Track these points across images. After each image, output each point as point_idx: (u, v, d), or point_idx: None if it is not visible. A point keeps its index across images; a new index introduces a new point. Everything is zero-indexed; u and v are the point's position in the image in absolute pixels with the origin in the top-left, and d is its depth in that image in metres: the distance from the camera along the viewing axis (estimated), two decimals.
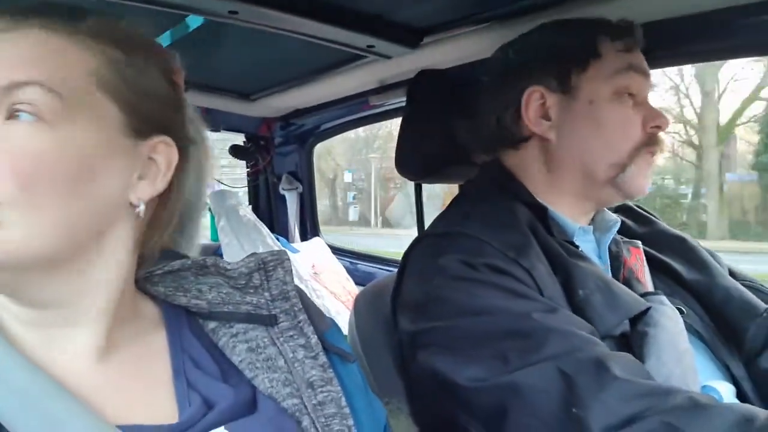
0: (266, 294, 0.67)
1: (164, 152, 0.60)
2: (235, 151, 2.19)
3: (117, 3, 0.99)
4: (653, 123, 0.94)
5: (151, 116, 0.59)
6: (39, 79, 0.52)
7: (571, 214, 0.97)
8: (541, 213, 0.93)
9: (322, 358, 0.65)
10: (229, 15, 1.06)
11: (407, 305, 0.90)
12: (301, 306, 0.68)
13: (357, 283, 1.99)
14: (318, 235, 2.22)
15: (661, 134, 0.96)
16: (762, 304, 0.93)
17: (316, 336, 0.66)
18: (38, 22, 0.54)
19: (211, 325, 0.66)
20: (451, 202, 1.04)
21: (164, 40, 1.26)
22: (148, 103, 0.59)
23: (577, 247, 0.92)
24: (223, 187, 2.12)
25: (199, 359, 0.62)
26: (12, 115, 0.51)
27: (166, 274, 0.67)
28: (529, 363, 0.72)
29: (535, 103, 0.98)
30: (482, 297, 0.80)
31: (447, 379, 0.78)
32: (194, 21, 1.19)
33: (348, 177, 15.29)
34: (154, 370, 0.60)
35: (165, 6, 1.02)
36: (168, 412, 0.56)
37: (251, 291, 0.67)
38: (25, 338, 0.56)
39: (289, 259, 0.70)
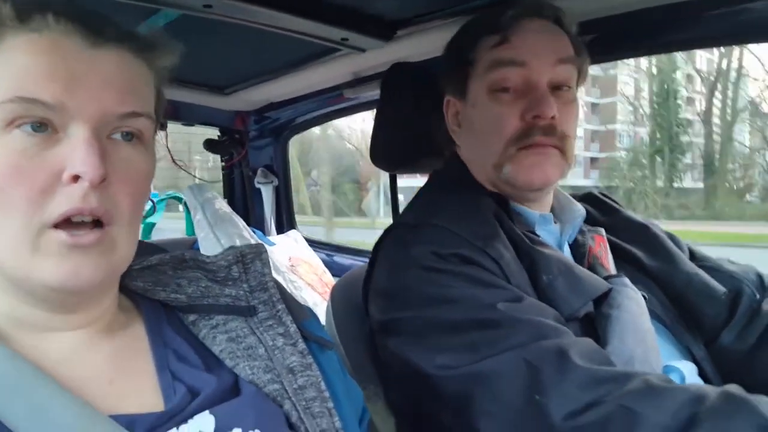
0: (245, 285, 0.69)
1: None
2: (210, 145, 2.17)
3: None
4: (531, 113, 0.91)
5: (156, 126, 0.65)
6: (149, 112, 0.58)
7: (523, 205, 0.99)
8: (503, 203, 0.96)
9: (301, 345, 0.67)
10: (203, 9, 1.06)
11: (378, 294, 0.92)
12: (279, 296, 0.70)
13: (334, 275, 2.00)
14: (294, 228, 2.22)
15: (547, 123, 0.90)
16: (721, 288, 0.97)
17: (294, 325, 0.68)
18: (118, 44, 0.57)
19: (191, 317, 0.67)
20: (419, 193, 1.07)
21: None
22: (161, 113, 0.65)
23: (538, 236, 0.95)
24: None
25: (182, 351, 0.63)
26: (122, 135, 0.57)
27: (144, 269, 0.69)
28: (495, 352, 0.75)
29: (452, 111, 1.03)
30: (450, 287, 0.82)
31: (416, 368, 0.80)
32: (168, 14, 1.18)
33: None
34: (138, 363, 0.61)
35: (138, 0, 1.02)
36: (154, 403, 0.58)
37: (230, 283, 0.69)
38: (13, 333, 0.56)
39: (266, 252, 0.73)
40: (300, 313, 0.72)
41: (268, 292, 0.70)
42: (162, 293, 0.67)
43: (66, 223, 0.52)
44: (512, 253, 0.87)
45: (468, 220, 0.89)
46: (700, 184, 21.50)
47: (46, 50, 0.52)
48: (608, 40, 1.12)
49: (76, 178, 0.52)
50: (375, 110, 1.26)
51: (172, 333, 0.65)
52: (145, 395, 0.59)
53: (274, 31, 1.19)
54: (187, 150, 2.07)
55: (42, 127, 0.52)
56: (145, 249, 0.71)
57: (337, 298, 1.09)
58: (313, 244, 2.15)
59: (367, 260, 1.87)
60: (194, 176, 2.10)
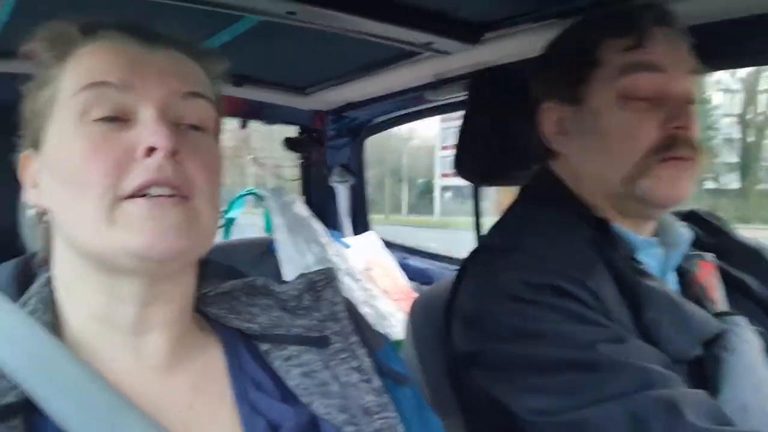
0: (316, 314, 0.67)
1: None
2: (290, 143, 2.19)
3: (175, 5, 0.99)
4: (673, 123, 0.83)
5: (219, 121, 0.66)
6: (210, 97, 0.61)
7: (627, 227, 0.90)
8: (603, 225, 0.88)
9: (377, 382, 0.64)
10: (286, 15, 1.05)
11: (462, 321, 0.87)
12: (352, 327, 0.67)
13: (410, 278, 1.98)
14: (369, 229, 2.21)
15: (688, 134, 0.83)
16: None
17: (369, 358, 0.65)
18: (174, 48, 0.60)
19: (264, 347, 0.65)
20: (508, 209, 0.99)
21: (222, 37, 1.26)
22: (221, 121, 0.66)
23: (641, 264, 0.86)
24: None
25: (260, 380, 0.62)
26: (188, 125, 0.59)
27: (217, 296, 0.68)
28: (596, 400, 0.68)
29: (552, 118, 0.94)
30: (543, 321, 0.75)
31: (504, 407, 0.75)
32: (251, 19, 1.18)
33: None
34: (216, 389, 0.60)
35: (223, 7, 1.01)
36: None
37: (301, 313, 0.67)
38: (96, 344, 0.57)
39: (337, 278, 0.71)
40: (375, 342, 0.69)
41: (340, 323, 0.67)
42: (236, 321, 0.66)
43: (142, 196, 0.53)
44: (612, 284, 0.80)
45: (562, 245, 0.82)
46: (735, 186, 20.39)
47: (109, 51, 0.57)
48: (706, 49, 1.01)
49: (149, 151, 0.53)
50: (458, 116, 1.21)
51: (248, 358, 0.64)
52: (224, 426, 0.57)
53: (357, 36, 1.16)
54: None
55: (115, 119, 0.55)
56: (220, 271, 0.71)
57: (417, 316, 1.04)
58: (389, 245, 2.13)
59: (442, 264, 1.81)
60: (281, 177, 2.14)
